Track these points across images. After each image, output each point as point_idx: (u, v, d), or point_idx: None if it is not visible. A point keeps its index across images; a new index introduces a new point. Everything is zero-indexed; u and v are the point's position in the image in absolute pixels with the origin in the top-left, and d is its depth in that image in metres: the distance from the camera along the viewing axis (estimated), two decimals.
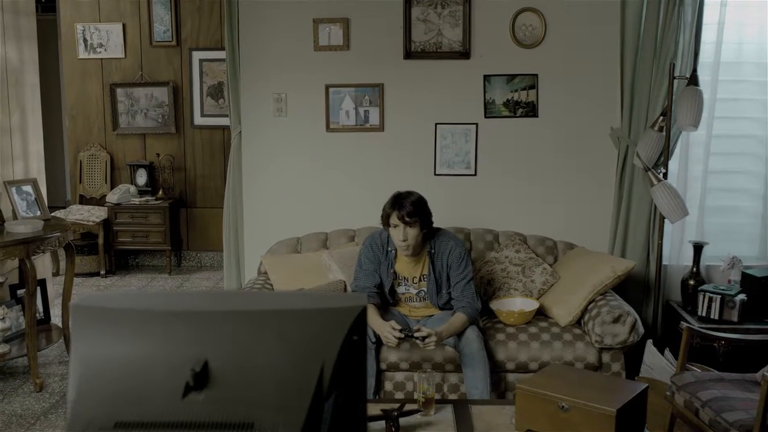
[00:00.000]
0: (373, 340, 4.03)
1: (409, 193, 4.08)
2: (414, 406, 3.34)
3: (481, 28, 4.93)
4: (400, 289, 4.25)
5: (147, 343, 1.24)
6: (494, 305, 4.46)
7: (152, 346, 1.23)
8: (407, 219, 3.99)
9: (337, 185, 5.11)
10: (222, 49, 6.65)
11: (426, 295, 4.22)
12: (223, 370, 1.18)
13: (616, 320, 4.10)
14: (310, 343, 1.20)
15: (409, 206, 3.99)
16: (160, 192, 7.83)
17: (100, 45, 7.89)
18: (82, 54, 7.91)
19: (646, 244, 4.90)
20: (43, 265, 5.74)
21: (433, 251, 4.15)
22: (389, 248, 4.19)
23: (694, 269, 4.81)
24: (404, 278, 4.23)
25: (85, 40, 7.89)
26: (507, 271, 4.61)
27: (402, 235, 4.02)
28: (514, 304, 4.45)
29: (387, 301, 4.25)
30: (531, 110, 4.97)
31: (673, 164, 4.85)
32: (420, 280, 4.21)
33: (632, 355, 4.37)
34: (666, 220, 4.67)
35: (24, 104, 5.72)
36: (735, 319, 4.51)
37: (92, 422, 1.21)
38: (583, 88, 4.95)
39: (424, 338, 3.86)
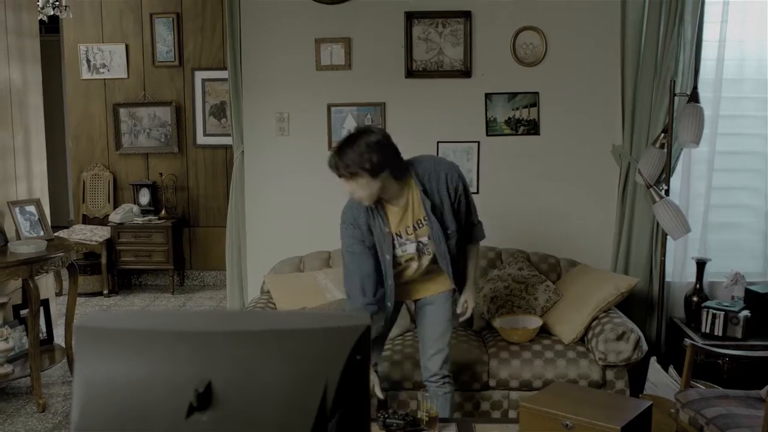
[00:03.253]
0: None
1: (354, 137, 3.33)
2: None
3: (482, 46, 4.96)
4: (398, 252, 3.56)
5: (150, 363, 1.24)
6: (498, 323, 4.45)
7: (155, 367, 1.23)
8: (343, 173, 3.32)
9: (340, 204, 5.10)
10: (224, 68, 6.69)
11: (427, 248, 3.55)
12: (226, 390, 1.18)
13: (619, 337, 4.09)
14: (314, 362, 1.20)
15: (345, 159, 3.29)
16: (163, 211, 7.84)
17: (103, 65, 7.93)
18: (86, 74, 7.96)
19: (648, 261, 4.90)
20: (46, 285, 5.74)
21: (421, 186, 3.45)
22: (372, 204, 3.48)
23: (698, 286, 4.81)
24: (398, 235, 3.52)
25: (88, 61, 7.93)
26: (510, 289, 4.61)
27: (349, 187, 3.38)
28: (518, 322, 4.44)
29: (390, 289, 3.58)
30: (532, 128, 4.98)
31: (675, 181, 4.85)
32: (415, 229, 3.51)
33: (636, 373, 4.36)
34: (668, 237, 4.67)
35: (28, 125, 5.74)
36: (739, 335, 4.50)
37: None
38: (584, 105, 4.96)
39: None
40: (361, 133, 3.35)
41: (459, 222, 3.55)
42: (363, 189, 3.33)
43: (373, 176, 3.29)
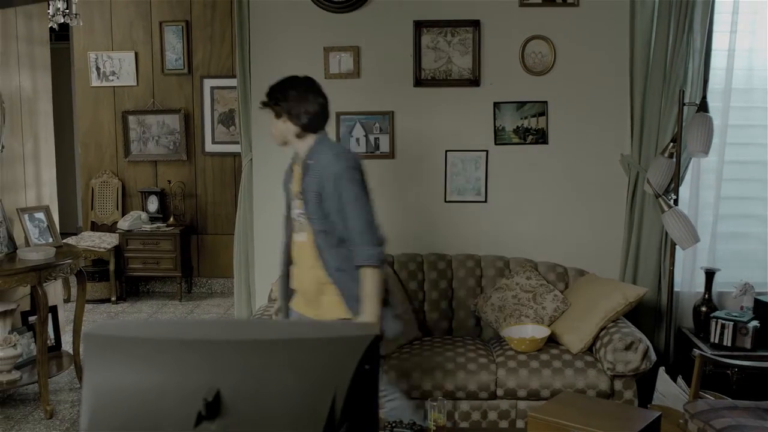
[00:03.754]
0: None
1: (295, 78, 3.47)
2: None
3: (491, 55, 4.96)
4: (292, 214, 3.53)
5: (159, 372, 1.24)
6: (505, 332, 4.44)
7: (164, 375, 1.23)
8: (266, 101, 3.46)
9: None
10: (233, 76, 6.71)
11: (301, 225, 3.43)
12: (235, 399, 1.18)
13: (628, 347, 4.08)
14: (322, 372, 1.20)
15: (272, 88, 3.44)
16: (171, 219, 7.86)
17: (113, 73, 7.97)
18: (95, 82, 7.99)
19: (657, 271, 4.88)
20: (54, 291, 5.75)
21: (311, 161, 3.40)
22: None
23: (706, 296, 4.79)
24: (295, 197, 3.49)
25: (97, 68, 7.96)
26: (518, 298, 4.60)
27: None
28: (526, 331, 4.43)
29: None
30: (541, 137, 4.98)
31: (684, 190, 4.84)
32: (299, 198, 3.44)
33: (645, 383, 4.34)
34: (677, 247, 4.66)
35: (37, 132, 5.77)
36: (748, 345, 4.47)
37: None
38: (592, 114, 4.96)
39: None
40: (303, 78, 3.46)
41: (326, 222, 3.35)
42: (270, 124, 3.48)
43: (276, 115, 3.41)
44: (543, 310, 4.54)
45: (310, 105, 3.38)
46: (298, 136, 3.42)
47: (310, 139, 3.43)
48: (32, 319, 5.21)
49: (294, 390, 1.18)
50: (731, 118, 4.87)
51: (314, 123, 3.41)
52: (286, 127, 3.41)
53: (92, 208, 8.10)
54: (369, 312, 3.28)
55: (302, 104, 3.37)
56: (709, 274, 4.79)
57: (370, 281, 3.29)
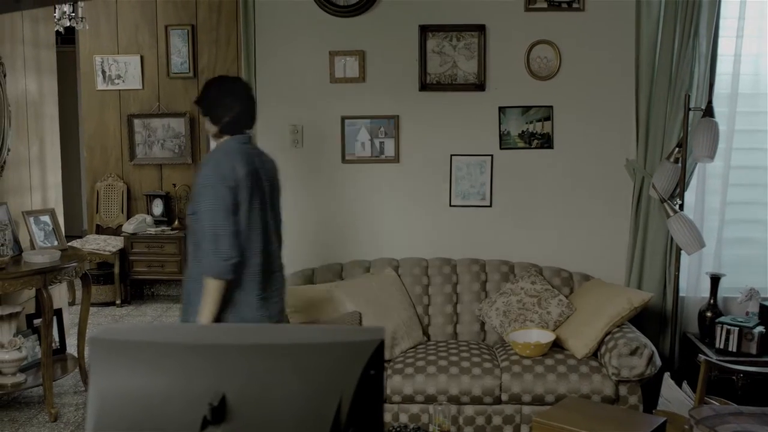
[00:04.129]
0: None
1: (222, 77, 3.69)
2: None
3: (496, 60, 4.96)
4: None
5: (165, 376, 1.24)
6: (510, 337, 4.44)
7: (170, 380, 1.23)
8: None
9: (353, 216, 5.12)
10: None
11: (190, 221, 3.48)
12: (240, 404, 1.18)
13: (633, 352, 4.07)
14: (328, 377, 1.20)
15: (204, 84, 3.57)
16: (176, 222, 7.87)
17: (118, 76, 7.99)
18: (101, 85, 8.01)
19: (662, 276, 4.87)
20: (59, 294, 5.76)
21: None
22: None
23: (712, 301, 4.78)
24: None
25: (103, 72, 7.98)
26: (523, 303, 4.59)
27: None
28: (530, 336, 4.42)
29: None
30: (546, 142, 4.98)
31: (690, 195, 4.83)
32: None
33: (649, 388, 4.33)
34: (683, 252, 4.65)
35: (43, 135, 5.78)
36: (753, 351, 4.46)
37: None
38: (598, 119, 4.95)
39: None
40: (229, 80, 3.59)
41: (194, 220, 3.38)
42: (207, 130, 3.58)
43: (201, 112, 3.52)
44: (548, 314, 4.54)
45: (227, 109, 3.41)
46: (215, 136, 3.48)
47: (222, 142, 3.45)
48: (37, 322, 5.21)
49: (300, 395, 1.18)
50: (737, 123, 4.86)
51: (229, 126, 3.43)
52: (208, 126, 3.49)
53: (97, 212, 8.12)
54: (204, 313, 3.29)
55: (218, 106, 3.41)
56: (715, 280, 4.78)
57: (206, 292, 3.27)
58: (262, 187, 3.41)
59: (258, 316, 3.39)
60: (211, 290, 3.26)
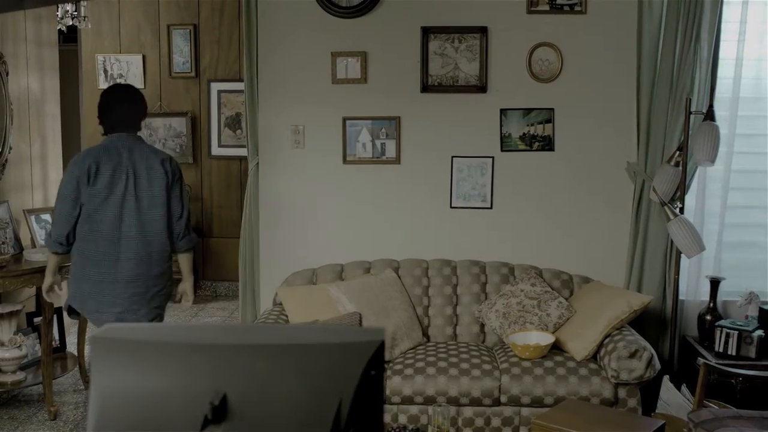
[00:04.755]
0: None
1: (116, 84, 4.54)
2: None
3: (498, 62, 4.96)
4: None
5: (166, 375, 1.24)
6: (510, 339, 4.44)
7: (171, 379, 1.24)
8: None
9: (354, 217, 5.13)
10: (240, 80, 6.72)
11: None
12: (241, 403, 1.19)
13: (632, 355, 4.08)
14: (329, 377, 1.20)
15: None
16: None
17: (120, 75, 7.99)
18: (103, 84, 7.99)
19: (662, 279, 4.88)
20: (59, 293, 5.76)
21: None
22: None
23: (711, 304, 4.78)
24: None
25: (105, 71, 7.99)
26: (522, 305, 4.60)
27: None
28: (530, 338, 4.43)
29: None
30: (547, 144, 4.98)
31: (690, 199, 4.83)
32: None
33: (648, 391, 4.33)
34: (682, 255, 4.65)
35: (45, 134, 5.79)
36: (753, 355, 4.47)
37: None
38: (599, 122, 4.96)
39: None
40: (113, 88, 4.28)
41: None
42: None
43: None
44: (547, 317, 4.54)
45: (105, 113, 4.09)
46: (102, 135, 4.14)
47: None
48: (37, 320, 5.22)
49: (300, 395, 1.19)
50: (738, 126, 4.86)
51: (108, 128, 4.10)
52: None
53: None
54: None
55: (102, 111, 4.09)
56: (714, 283, 4.78)
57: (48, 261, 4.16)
58: (121, 178, 3.97)
59: (94, 292, 4.02)
60: (49, 260, 4.16)
